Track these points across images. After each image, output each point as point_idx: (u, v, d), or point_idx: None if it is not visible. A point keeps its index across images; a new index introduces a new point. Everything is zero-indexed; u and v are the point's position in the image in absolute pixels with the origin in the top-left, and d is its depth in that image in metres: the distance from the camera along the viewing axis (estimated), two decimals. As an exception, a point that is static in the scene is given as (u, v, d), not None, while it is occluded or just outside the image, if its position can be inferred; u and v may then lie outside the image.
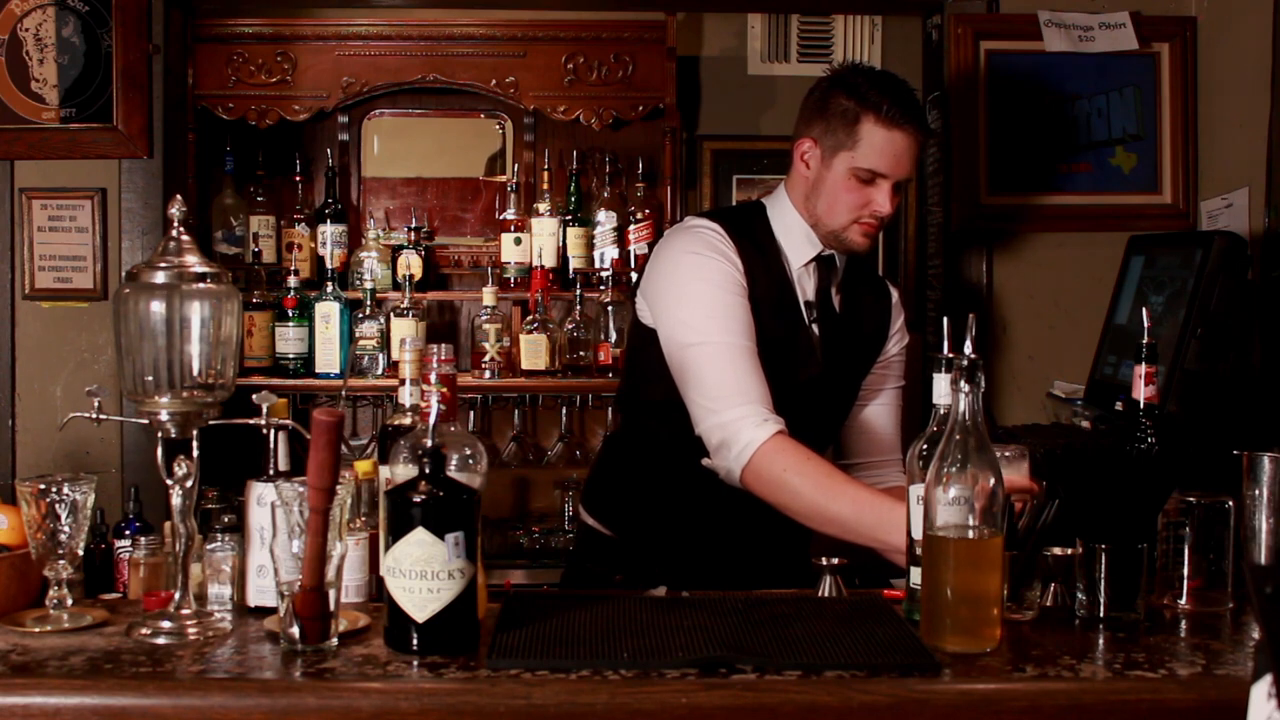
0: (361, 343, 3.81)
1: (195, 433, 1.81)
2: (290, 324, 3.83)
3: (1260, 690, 1.13)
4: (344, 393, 3.21)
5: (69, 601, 1.81)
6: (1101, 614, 1.81)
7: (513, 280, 3.98)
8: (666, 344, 2.28)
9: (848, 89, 2.30)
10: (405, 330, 3.76)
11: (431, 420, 1.72)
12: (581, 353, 3.91)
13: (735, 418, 2.18)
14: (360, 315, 3.84)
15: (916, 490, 1.80)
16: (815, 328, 2.39)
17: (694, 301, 2.26)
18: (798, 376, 2.35)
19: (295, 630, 1.65)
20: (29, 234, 3.54)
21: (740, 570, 2.33)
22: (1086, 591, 1.82)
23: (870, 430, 2.52)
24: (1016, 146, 3.51)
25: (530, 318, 3.88)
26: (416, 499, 1.64)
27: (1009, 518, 1.80)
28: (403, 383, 1.99)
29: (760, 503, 2.21)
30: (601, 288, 3.99)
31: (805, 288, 2.40)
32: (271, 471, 1.89)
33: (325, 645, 1.66)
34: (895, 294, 2.57)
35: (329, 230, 4.00)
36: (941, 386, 1.81)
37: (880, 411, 2.52)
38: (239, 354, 1.88)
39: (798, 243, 2.38)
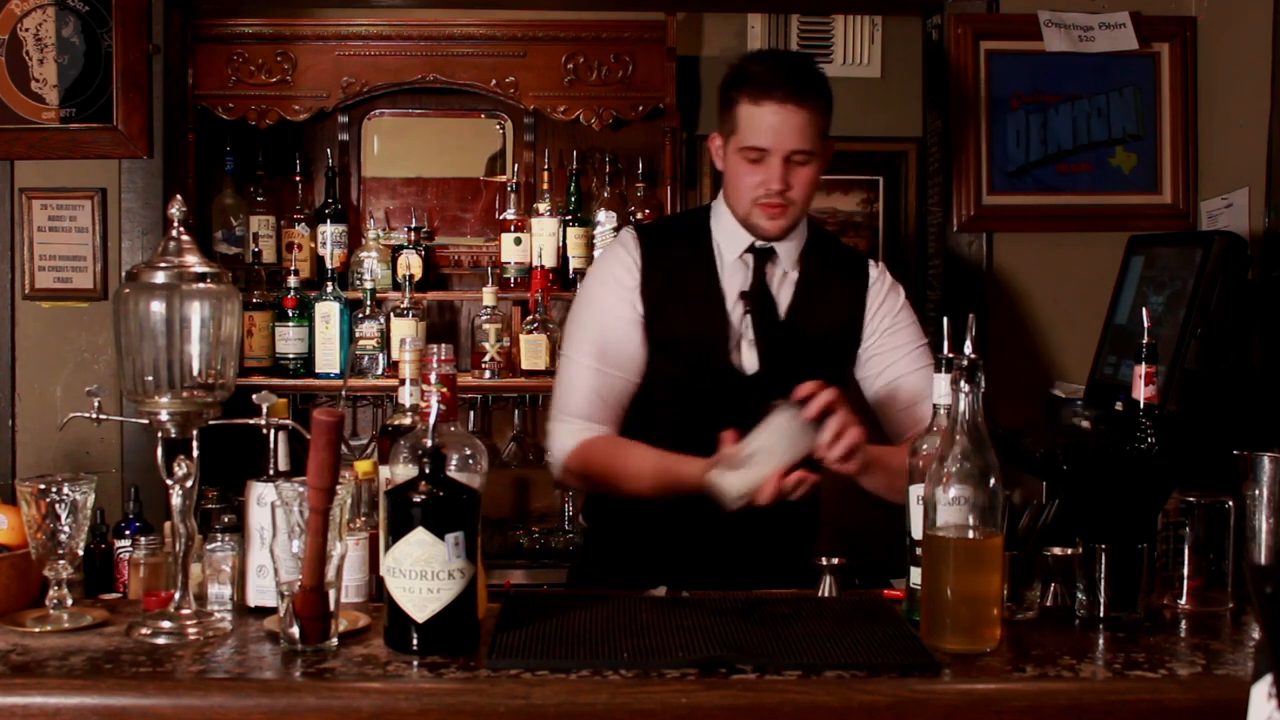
0: (361, 343, 3.81)
1: (195, 433, 1.81)
2: (290, 324, 3.83)
3: (1260, 690, 1.13)
4: (344, 393, 3.21)
5: (69, 601, 1.81)
6: (1101, 614, 1.81)
7: (513, 280, 3.98)
8: None
9: (728, 77, 2.34)
10: (405, 330, 3.76)
11: (431, 420, 1.72)
12: (581, 353, 3.90)
13: (557, 428, 2.38)
14: (360, 315, 3.84)
15: (916, 490, 1.80)
16: (749, 320, 2.35)
17: (576, 321, 2.44)
18: (731, 369, 2.33)
19: (295, 630, 1.65)
20: (29, 234, 3.53)
21: (742, 570, 2.31)
22: (1086, 591, 1.82)
23: (905, 403, 2.40)
24: (1016, 146, 3.51)
25: (530, 318, 3.88)
26: (416, 499, 1.64)
27: (1009, 518, 1.80)
28: (403, 383, 2.00)
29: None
30: (601, 288, 3.98)
31: (737, 282, 2.38)
32: (271, 471, 1.89)
33: (325, 645, 1.66)
34: (875, 269, 2.46)
35: (329, 230, 4.00)
36: (941, 386, 1.82)
37: (908, 381, 2.39)
38: (239, 354, 1.88)
39: (731, 239, 2.39)
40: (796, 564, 2.38)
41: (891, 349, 2.41)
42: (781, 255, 2.39)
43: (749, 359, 2.34)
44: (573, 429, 2.35)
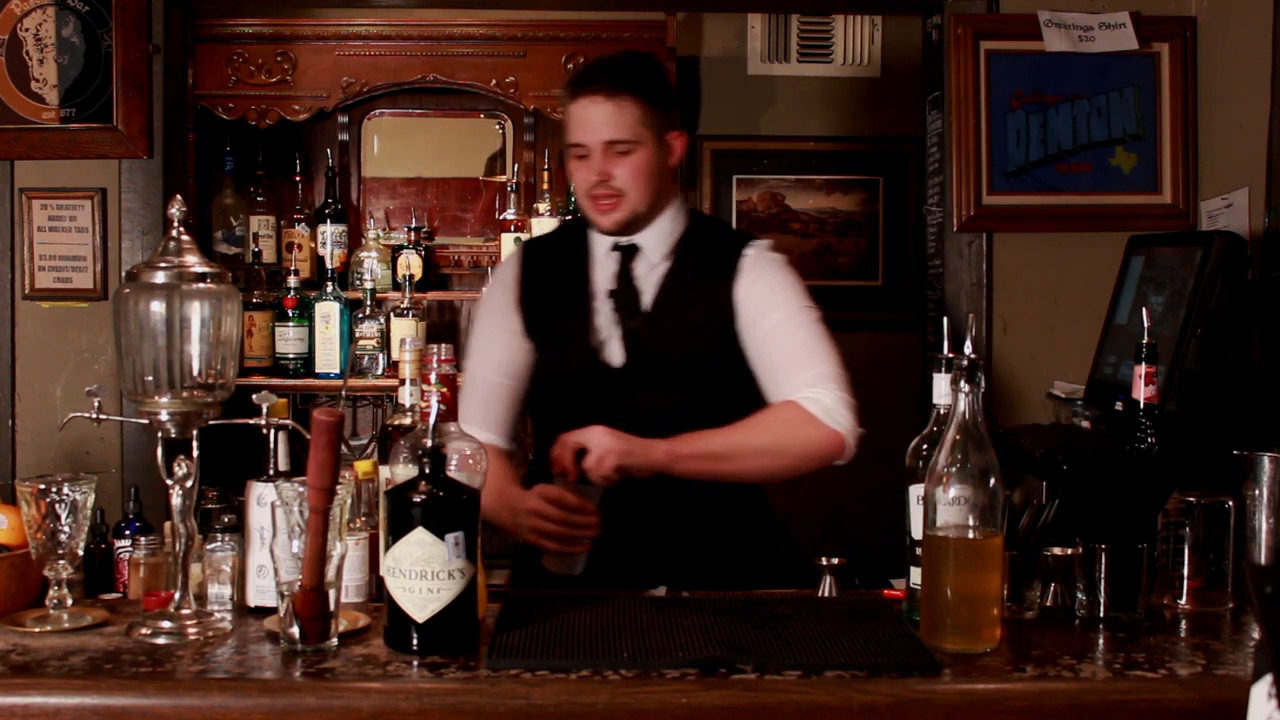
0: (361, 343, 3.81)
1: (195, 433, 1.81)
2: (290, 324, 3.83)
3: (1260, 690, 1.13)
4: (344, 393, 3.21)
5: (69, 601, 1.81)
6: (1101, 614, 1.81)
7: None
8: None
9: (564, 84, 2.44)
10: (405, 330, 3.76)
11: (431, 420, 1.72)
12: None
13: None
14: (360, 315, 3.84)
15: (916, 490, 1.80)
16: (618, 318, 2.38)
17: (470, 337, 2.53)
18: (599, 364, 2.37)
19: (295, 630, 1.65)
20: (29, 234, 3.53)
21: (653, 569, 2.26)
22: (1086, 591, 1.82)
23: (770, 367, 2.35)
24: (1016, 146, 3.51)
25: (530, 318, 3.88)
26: (416, 499, 1.64)
27: (1009, 518, 1.80)
28: (403, 383, 2.00)
29: (669, 501, 2.27)
30: (601, 288, 3.98)
31: (608, 278, 2.42)
32: (271, 471, 1.89)
33: (325, 645, 1.66)
34: (753, 248, 2.42)
35: (329, 230, 4.00)
36: (941, 386, 1.82)
37: (777, 346, 2.34)
38: (239, 354, 1.88)
39: (601, 238, 2.45)
40: (735, 561, 2.38)
41: (759, 316, 2.37)
42: (646, 249, 2.41)
43: (616, 353, 2.37)
44: None
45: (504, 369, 2.42)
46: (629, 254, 2.41)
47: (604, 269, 2.42)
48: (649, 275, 2.41)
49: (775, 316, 2.35)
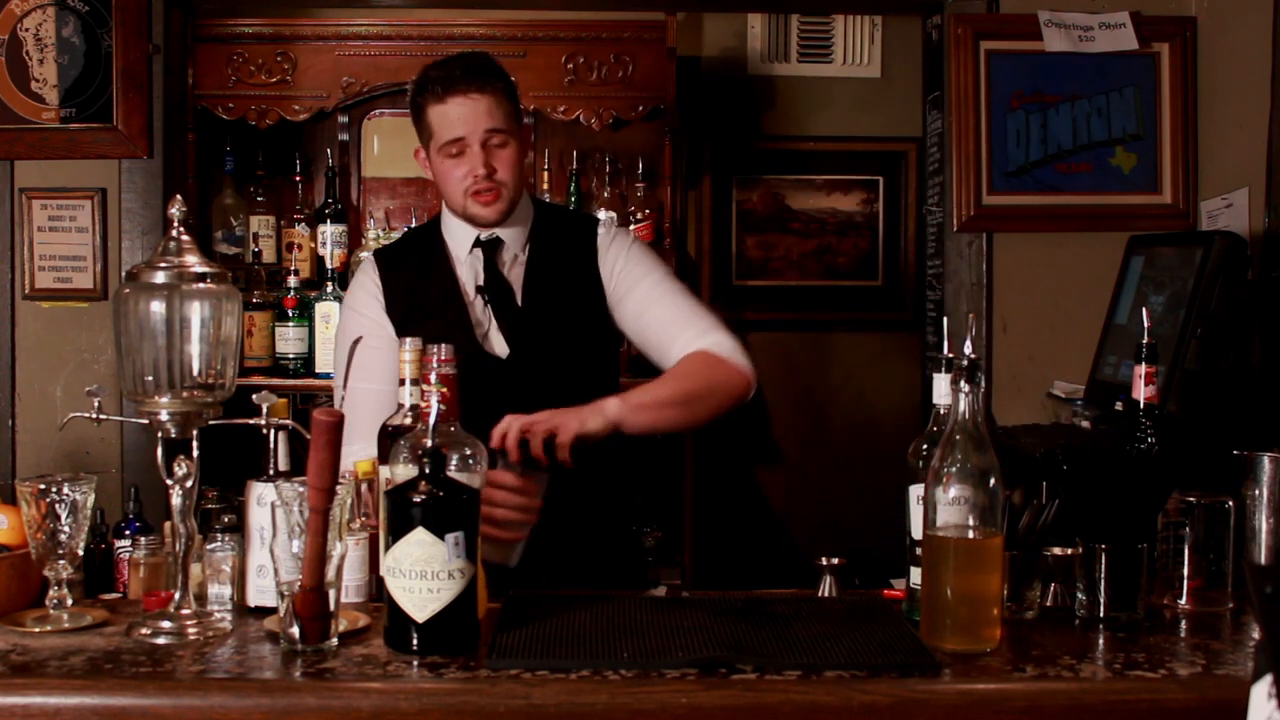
0: (361, 343, 3.80)
1: (195, 433, 1.81)
2: (290, 324, 3.83)
3: (1260, 690, 1.13)
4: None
5: (69, 601, 1.81)
6: (1101, 614, 1.81)
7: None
8: None
9: (412, 92, 2.46)
10: (405, 330, 3.76)
11: (431, 420, 1.72)
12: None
13: (344, 452, 2.26)
14: (360, 315, 3.84)
15: (916, 490, 1.80)
16: (490, 311, 2.44)
17: (339, 353, 2.48)
18: (486, 356, 2.42)
19: (295, 630, 1.65)
20: (29, 234, 3.53)
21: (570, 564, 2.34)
22: (1086, 591, 1.82)
23: (657, 331, 2.46)
24: (1016, 146, 3.51)
25: (530, 318, 3.88)
26: (416, 499, 1.64)
27: (1009, 518, 1.80)
28: (403, 383, 1.99)
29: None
30: (601, 288, 3.98)
31: (474, 275, 2.46)
32: (271, 471, 1.89)
33: (325, 645, 1.66)
34: (603, 226, 2.55)
35: (329, 230, 4.00)
36: (941, 386, 1.82)
37: (654, 310, 2.45)
38: (239, 354, 1.87)
39: (458, 238, 2.49)
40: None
41: (631, 287, 2.47)
42: (508, 241, 2.47)
43: (499, 345, 2.43)
44: (351, 450, 2.27)
45: (385, 377, 2.37)
46: (491, 248, 2.47)
47: (467, 266, 2.47)
48: (513, 266, 2.47)
49: (644, 285, 2.46)
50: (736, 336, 2.43)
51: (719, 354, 2.38)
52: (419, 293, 2.48)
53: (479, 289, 2.45)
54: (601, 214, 2.55)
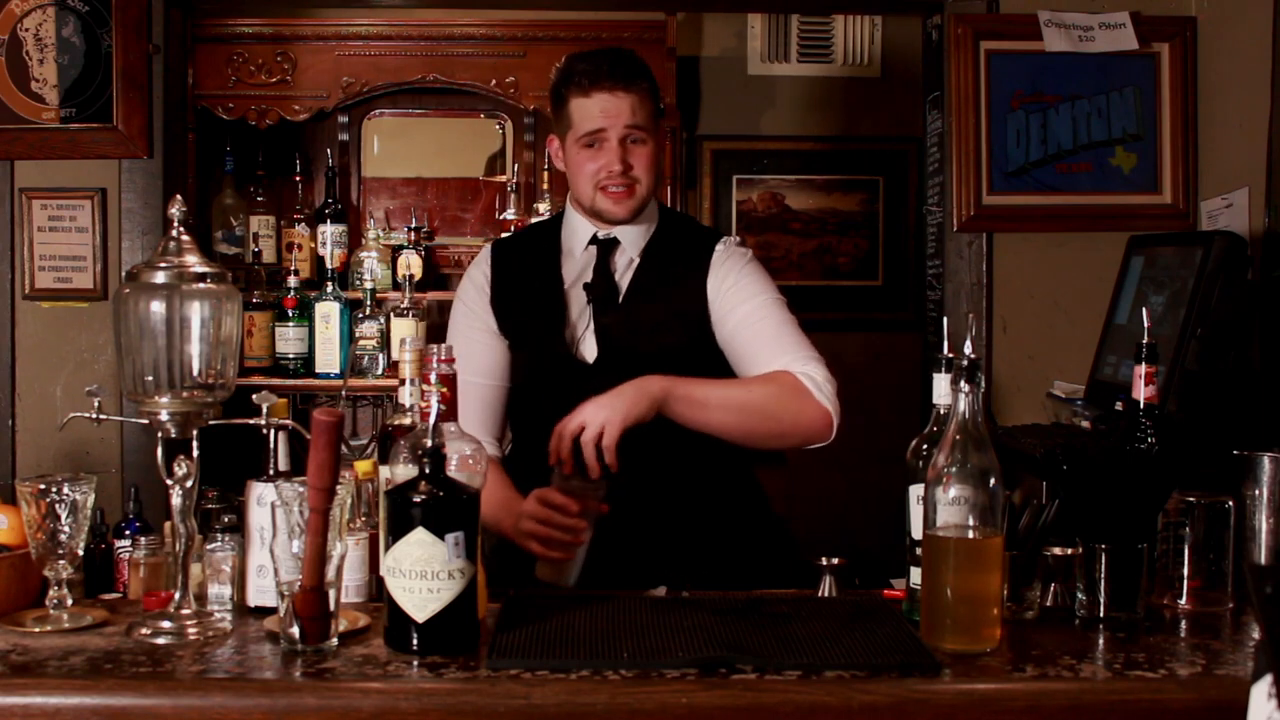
0: (361, 343, 3.81)
1: (195, 433, 1.81)
2: (290, 324, 3.83)
3: (1260, 690, 1.13)
4: (344, 393, 3.21)
5: (69, 601, 1.81)
6: (1101, 614, 1.81)
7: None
8: None
9: (555, 82, 2.44)
10: (405, 330, 3.76)
11: (431, 420, 1.72)
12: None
13: None
14: (360, 315, 3.85)
15: (916, 490, 1.80)
16: (591, 311, 2.40)
17: (450, 338, 2.46)
18: (574, 359, 2.38)
19: (295, 630, 1.65)
20: (29, 234, 3.53)
21: (653, 568, 2.24)
22: (1086, 591, 1.82)
23: (743, 349, 2.37)
24: (1016, 146, 3.51)
25: (530, 318, 3.88)
26: (416, 499, 1.64)
27: (1009, 518, 1.80)
28: (403, 383, 1.99)
29: (648, 501, 2.27)
30: (601, 288, 3.98)
31: (584, 273, 2.43)
32: (271, 471, 1.89)
33: (325, 645, 1.66)
34: (723, 243, 2.45)
35: (329, 230, 4.00)
36: (941, 386, 1.82)
37: (747, 328, 2.37)
38: (239, 354, 1.88)
39: (577, 234, 2.46)
40: (727, 560, 2.38)
41: (735, 305, 2.39)
42: (625, 243, 2.44)
43: (589, 348, 2.39)
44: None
45: (485, 370, 2.41)
46: (607, 248, 2.43)
47: (578, 264, 2.44)
48: (625, 269, 2.43)
49: (749, 306, 2.38)
50: (835, 379, 2.31)
51: (804, 383, 2.26)
52: (527, 285, 2.45)
53: (585, 286, 2.41)
54: (732, 238, 2.49)
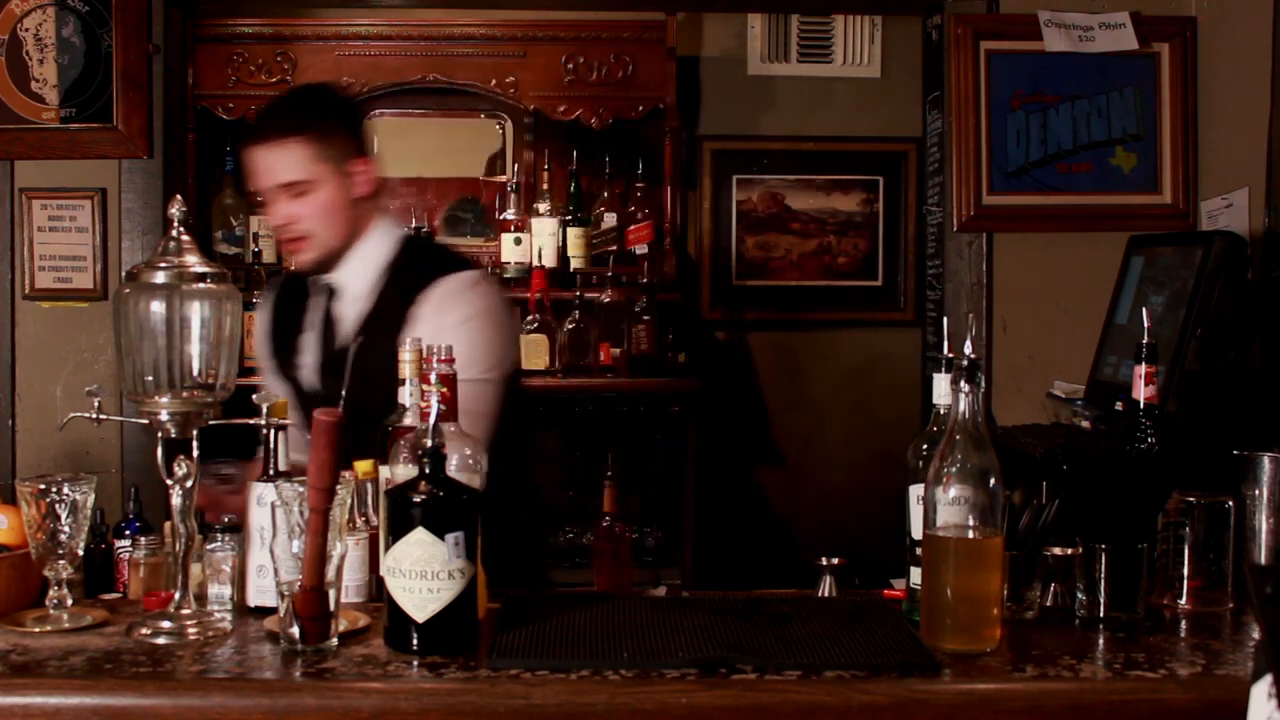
0: (361, 343, 3.80)
1: (195, 433, 1.81)
2: (290, 324, 3.83)
3: (1260, 690, 1.13)
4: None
5: (69, 601, 1.81)
6: (1101, 614, 1.81)
7: (513, 280, 3.98)
8: None
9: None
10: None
11: (431, 420, 1.72)
12: (581, 353, 3.91)
13: None
14: (360, 315, 3.84)
15: (916, 490, 1.80)
16: (320, 353, 2.43)
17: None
18: (307, 392, 2.42)
19: (295, 630, 1.65)
20: (29, 234, 3.53)
21: None
22: (1086, 591, 1.82)
23: None
24: (1016, 146, 3.51)
25: (530, 318, 3.88)
26: (416, 499, 1.64)
27: (1009, 518, 1.80)
28: (403, 383, 1.99)
29: None
30: (601, 288, 3.99)
31: (316, 315, 2.45)
32: (271, 471, 1.89)
33: (325, 645, 1.66)
34: (444, 284, 2.32)
35: (329, 230, 4.00)
36: (941, 386, 1.81)
37: None
38: (239, 354, 1.87)
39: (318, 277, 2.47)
40: None
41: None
42: (342, 285, 2.41)
43: (314, 384, 2.43)
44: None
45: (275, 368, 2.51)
46: (331, 291, 2.43)
47: (316, 305, 2.46)
48: (352, 308, 2.41)
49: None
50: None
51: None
52: (286, 323, 2.51)
53: (319, 329, 2.44)
54: (465, 275, 2.38)
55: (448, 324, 2.24)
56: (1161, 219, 3.46)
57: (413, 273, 2.38)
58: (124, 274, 3.14)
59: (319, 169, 2.32)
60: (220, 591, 1.87)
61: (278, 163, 2.32)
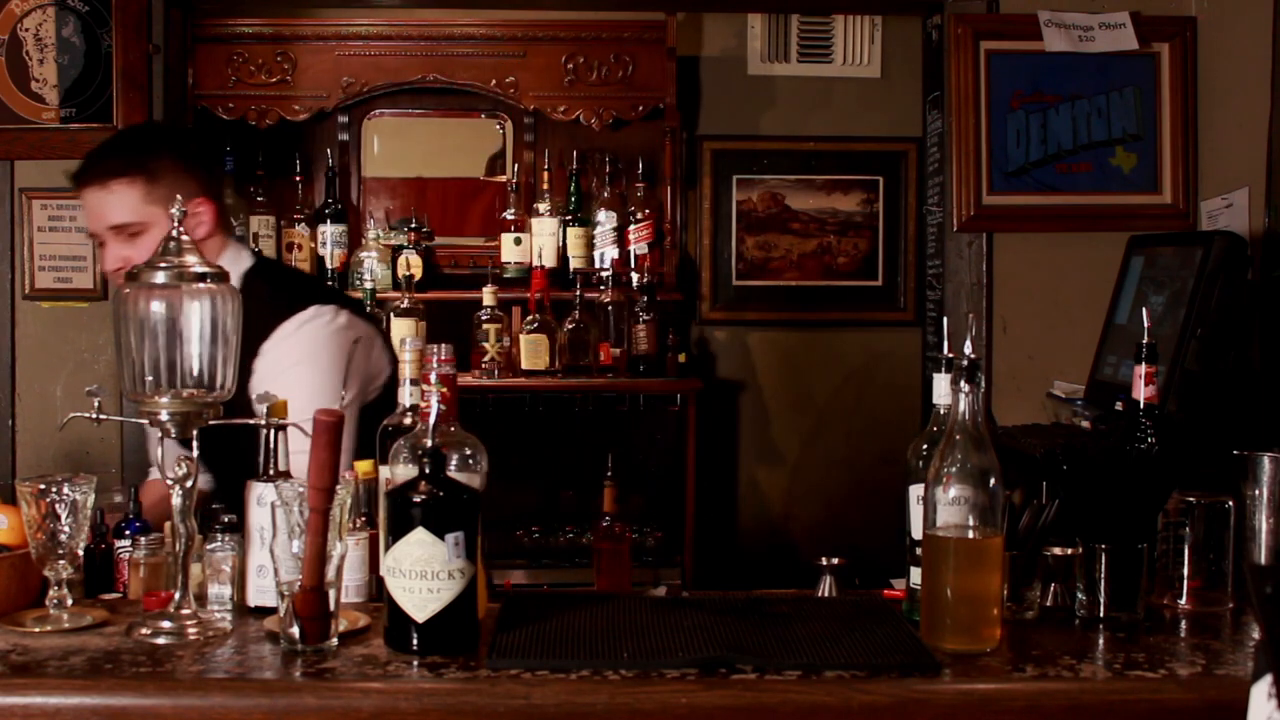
0: (361, 343, 3.80)
1: (195, 433, 1.81)
2: (290, 324, 3.82)
3: (1260, 690, 1.13)
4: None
5: (69, 601, 1.81)
6: (1101, 614, 1.81)
7: (513, 280, 3.98)
8: None
9: None
10: (405, 330, 3.76)
11: (431, 420, 1.71)
12: (581, 353, 3.91)
13: None
14: (360, 315, 3.84)
15: (916, 490, 1.80)
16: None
17: None
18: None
19: (295, 630, 1.65)
20: (29, 234, 3.53)
21: None
22: (1086, 591, 1.82)
23: None
24: (1016, 146, 3.51)
25: (530, 318, 3.88)
26: (416, 499, 1.64)
27: (1009, 518, 1.80)
28: (403, 383, 1.99)
29: None
30: (601, 288, 3.99)
31: None
32: (271, 471, 1.89)
33: (325, 645, 1.66)
34: (289, 326, 2.31)
35: (329, 230, 4.00)
36: (941, 386, 1.81)
37: None
38: (239, 354, 1.87)
39: None
40: None
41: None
42: None
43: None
44: None
45: None
46: None
47: None
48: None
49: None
50: None
51: None
52: None
53: None
54: (296, 317, 2.35)
55: (281, 371, 2.26)
56: (1161, 219, 3.46)
57: (253, 319, 2.10)
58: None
59: (150, 210, 2.29)
60: (220, 591, 1.87)
61: (106, 205, 2.30)
